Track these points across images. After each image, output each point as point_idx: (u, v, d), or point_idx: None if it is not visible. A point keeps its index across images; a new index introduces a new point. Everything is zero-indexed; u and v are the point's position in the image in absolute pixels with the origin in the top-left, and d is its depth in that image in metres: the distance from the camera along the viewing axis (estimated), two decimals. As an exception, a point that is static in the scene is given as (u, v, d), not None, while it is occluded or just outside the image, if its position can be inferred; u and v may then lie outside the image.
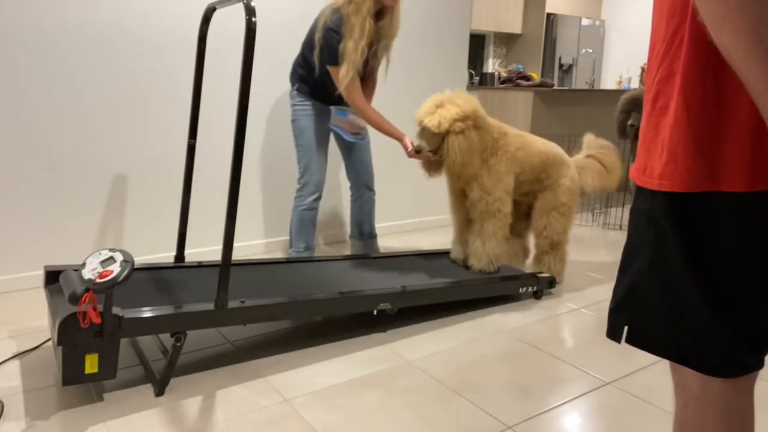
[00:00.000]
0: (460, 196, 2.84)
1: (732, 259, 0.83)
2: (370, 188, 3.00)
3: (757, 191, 0.79)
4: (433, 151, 2.64)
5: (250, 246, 3.39)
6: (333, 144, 2.96)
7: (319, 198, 2.79)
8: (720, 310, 0.83)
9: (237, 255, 3.32)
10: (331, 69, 2.62)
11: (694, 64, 0.80)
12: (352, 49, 2.55)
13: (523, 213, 3.06)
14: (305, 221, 2.78)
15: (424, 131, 2.63)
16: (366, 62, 2.67)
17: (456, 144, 2.56)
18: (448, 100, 2.60)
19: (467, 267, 2.83)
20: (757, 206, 0.80)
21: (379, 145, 3.16)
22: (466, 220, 2.90)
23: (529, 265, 3.03)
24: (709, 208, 0.82)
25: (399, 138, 2.68)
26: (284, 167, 3.40)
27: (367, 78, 2.82)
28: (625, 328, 0.94)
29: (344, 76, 2.58)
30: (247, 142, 3.23)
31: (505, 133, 2.74)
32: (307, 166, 2.75)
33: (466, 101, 2.61)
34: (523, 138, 2.79)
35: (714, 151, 0.80)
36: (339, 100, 2.72)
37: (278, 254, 3.38)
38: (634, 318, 0.93)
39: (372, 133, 2.89)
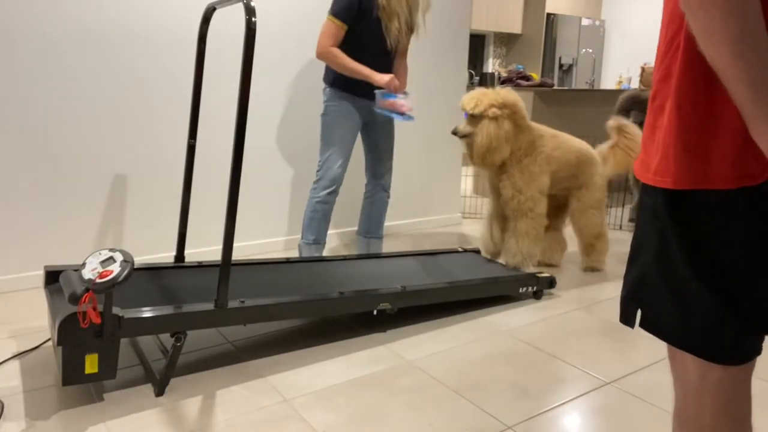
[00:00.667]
0: (498, 191, 3.00)
1: (726, 254, 0.86)
2: (386, 190, 3.03)
3: (746, 187, 0.82)
4: (469, 134, 2.82)
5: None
6: (358, 143, 2.98)
7: (333, 193, 2.79)
8: (720, 302, 0.86)
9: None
10: (329, 18, 2.64)
11: (687, 69, 0.84)
12: (396, 2, 2.69)
13: (558, 207, 3.21)
14: (317, 213, 2.79)
15: (466, 116, 2.82)
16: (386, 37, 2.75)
17: (486, 128, 2.74)
18: (493, 90, 2.78)
19: (496, 262, 2.94)
20: (748, 202, 0.84)
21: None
22: (498, 215, 3.07)
23: (580, 262, 3.24)
24: (703, 205, 0.86)
25: (368, 75, 2.68)
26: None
27: (398, 59, 2.89)
28: (638, 314, 0.98)
29: (396, 28, 2.74)
30: (251, 140, 3.24)
31: (542, 135, 2.89)
32: (327, 160, 2.78)
33: (510, 94, 2.79)
34: (558, 138, 2.94)
35: (704, 151, 0.84)
36: (379, 88, 2.75)
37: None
38: (644, 306, 0.98)
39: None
